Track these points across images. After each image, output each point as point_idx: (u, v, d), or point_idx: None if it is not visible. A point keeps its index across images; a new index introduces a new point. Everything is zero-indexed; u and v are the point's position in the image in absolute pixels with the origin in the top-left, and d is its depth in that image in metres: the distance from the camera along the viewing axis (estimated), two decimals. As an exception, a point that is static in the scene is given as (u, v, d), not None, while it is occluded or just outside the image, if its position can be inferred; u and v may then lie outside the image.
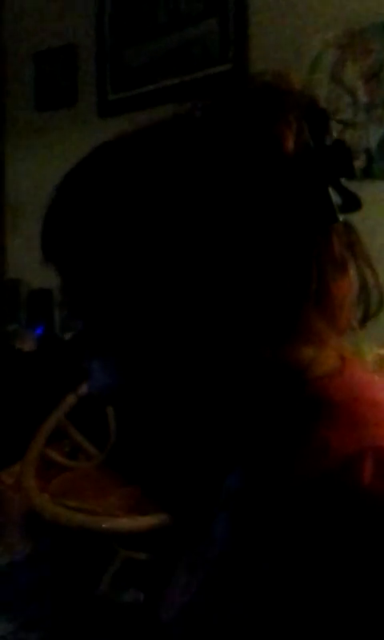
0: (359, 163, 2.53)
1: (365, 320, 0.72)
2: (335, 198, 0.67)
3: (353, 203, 0.68)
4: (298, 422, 0.67)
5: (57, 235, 0.73)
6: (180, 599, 0.74)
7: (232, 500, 0.70)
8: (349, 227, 0.70)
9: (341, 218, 0.67)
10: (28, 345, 3.36)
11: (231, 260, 0.66)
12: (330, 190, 0.67)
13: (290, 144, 0.66)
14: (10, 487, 2.83)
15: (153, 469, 0.78)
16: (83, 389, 2.69)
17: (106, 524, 2.37)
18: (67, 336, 3.25)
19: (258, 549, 0.63)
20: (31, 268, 3.51)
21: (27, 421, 2.77)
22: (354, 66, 2.64)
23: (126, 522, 2.32)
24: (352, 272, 0.70)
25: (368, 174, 2.51)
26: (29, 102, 3.75)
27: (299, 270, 0.66)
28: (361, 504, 0.58)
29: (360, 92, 2.63)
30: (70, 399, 2.71)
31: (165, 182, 0.67)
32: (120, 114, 3.26)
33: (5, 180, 3.86)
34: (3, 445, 2.88)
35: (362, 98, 2.62)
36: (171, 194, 0.67)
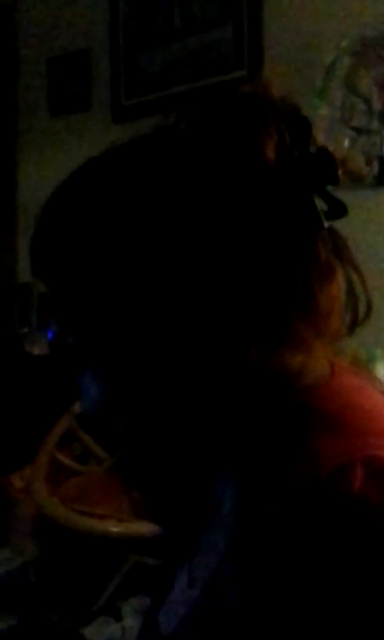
0: (373, 170, 2.53)
1: (353, 326, 0.72)
2: (320, 205, 0.67)
3: (338, 210, 0.68)
4: (289, 431, 0.67)
5: (44, 251, 0.74)
6: (181, 611, 0.74)
7: (228, 513, 0.71)
8: (335, 233, 0.70)
9: (326, 224, 0.67)
10: (39, 348, 3.37)
11: (216, 270, 0.66)
12: (315, 198, 0.67)
13: (271, 153, 0.67)
14: (20, 491, 2.83)
15: (144, 480, 0.78)
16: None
17: (116, 528, 2.37)
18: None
19: (255, 560, 0.63)
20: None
21: (37, 424, 2.78)
22: (368, 74, 2.64)
23: (136, 527, 2.32)
24: (340, 278, 0.69)
25: (382, 181, 2.51)
26: (42, 107, 3.76)
27: (284, 278, 0.67)
28: (352, 512, 0.58)
29: (374, 99, 2.62)
30: (78, 405, 2.71)
31: (150, 195, 0.68)
32: (134, 119, 3.27)
33: (18, 184, 3.87)
34: (14, 448, 2.88)
35: (376, 105, 2.61)
36: (156, 207, 0.68)
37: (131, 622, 2.47)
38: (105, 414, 0.77)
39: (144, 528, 2.28)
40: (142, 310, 0.68)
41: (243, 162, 0.67)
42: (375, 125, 2.59)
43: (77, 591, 2.71)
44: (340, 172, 0.68)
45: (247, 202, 0.66)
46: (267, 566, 0.61)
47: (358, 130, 2.59)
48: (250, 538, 0.65)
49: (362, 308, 0.71)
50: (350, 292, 0.70)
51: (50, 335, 3.42)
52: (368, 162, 2.53)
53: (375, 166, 2.54)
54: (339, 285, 0.70)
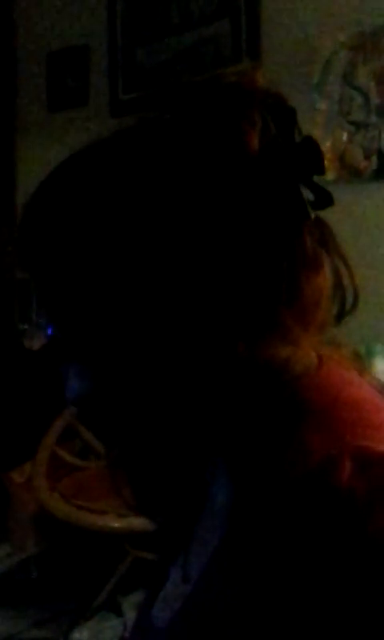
0: (371, 164, 2.53)
1: (340, 317, 0.71)
2: (306, 195, 0.66)
3: (324, 200, 0.68)
4: (278, 423, 0.67)
5: (29, 243, 0.74)
6: (175, 605, 0.74)
7: (221, 506, 0.71)
8: (321, 223, 0.69)
9: (312, 215, 0.67)
10: (39, 344, 3.36)
11: (201, 261, 0.66)
12: (301, 187, 0.66)
13: (255, 142, 0.66)
14: (20, 486, 2.84)
15: (134, 474, 0.77)
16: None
17: (117, 523, 2.37)
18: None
19: (247, 554, 0.63)
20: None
21: (38, 420, 2.78)
22: (365, 68, 2.64)
23: (136, 522, 2.32)
24: (327, 268, 0.69)
25: (380, 175, 2.50)
26: (41, 102, 3.76)
27: (271, 268, 0.66)
28: (340, 504, 0.58)
29: (372, 93, 2.62)
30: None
31: (133, 186, 0.68)
32: (132, 113, 3.24)
33: (16, 180, 3.87)
34: (14, 444, 2.89)
35: (374, 99, 2.61)
36: (140, 198, 0.67)
37: (132, 617, 2.48)
38: (90, 406, 0.77)
39: (144, 523, 2.28)
40: (126, 302, 0.68)
41: (226, 151, 0.66)
42: (373, 119, 2.59)
43: (78, 586, 2.72)
44: (326, 162, 0.67)
45: (231, 191, 0.66)
46: (258, 559, 0.61)
47: (356, 124, 2.58)
48: (241, 531, 0.65)
49: (349, 299, 0.71)
50: (337, 283, 0.70)
51: (49, 331, 3.42)
52: (366, 156, 2.52)
53: (373, 159, 2.54)
54: (326, 275, 0.69)
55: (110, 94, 3.46)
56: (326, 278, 0.69)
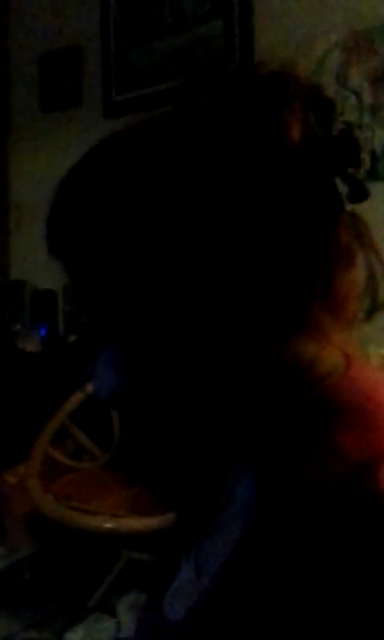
0: (364, 164, 2.52)
1: (372, 312, 0.70)
2: (342, 188, 0.65)
3: (360, 193, 0.67)
4: (308, 424, 0.65)
5: (61, 230, 0.72)
6: (188, 600, 0.73)
7: (243, 504, 0.69)
8: (356, 218, 0.68)
9: (348, 207, 0.66)
10: (32, 345, 3.36)
11: (237, 250, 0.64)
12: (337, 180, 0.65)
13: (296, 133, 0.65)
14: (14, 487, 2.83)
15: (157, 467, 0.76)
16: (82, 393, 2.69)
17: (110, 524, 2.37)
18: (71, 337, 3.25)
19: (269, 555, 0.62)
20: (35, 269, 3.51)
21: (31, 421, 2.78)
22: (359, 68, 2.64)
23: (129, 523, 2.32)
24: (360, 263, 0.68)
25: (373, 175, 2.51)
26: (34, 103, 3.76)
27: (306, 261, 0.65)
28: (375, 512, 0.57)
29: (365, 93, 2.62)
30: (75, 399, 2.71)
31: (170, 173, 0.66)
32: (125, 115, 3.26)
33: (9, 181, 3.87)
34: (7, 445, 2.88)
35: (367, 99, 2.62)
36: (177, 185, 0.66)
37: (125, 618, 2.48)
38: (121, 401, 0.75)
39: (137, 524, 2.28)
40: (159, 290, 0.66)
41: (268, 140, 0.64)
42: (366, 119, 2.60)
43: (71, 588, 2.71)
44: (363, 155, 0.66)
45: (270, 181, 0.64)
46: (282, 562, 0.60)
47: (349, 125, 2.58)
48: (265, 532, 0.64)
49: (381, 294, 0.69)
50: (370, 277, 0.68)
51: (42, 332, 3.42)
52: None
53: (366, 160, 2.54)
54: (358, 270, 0.68)
55: (103, 95, 3.46)
56: (358, 273, 0.68)
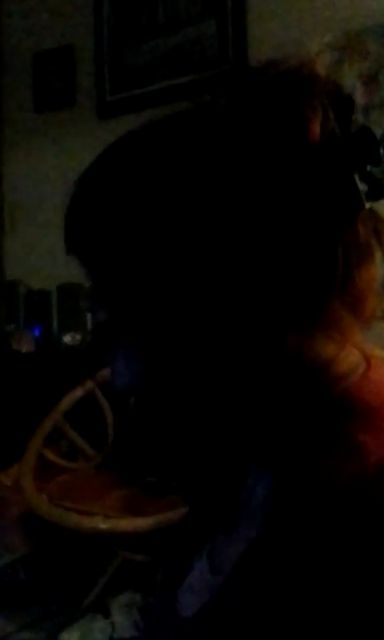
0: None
1: None
2: (361, 185, 0.65)
3: (379, 190, 0.67)
4: (328, 423, 0.65)
5: (80, 227, 0.72)
6: (202, 597, 0.73)
7: (261, 502, 0.69)
8: (375, 215, 0.68)
9: (367, 205, 0.66)
10: (26, 346, 3.36)
11: (258, 247, 0.64)
12: (356, 177, 0.65)
13: (317, 130, 0.65)
14: (8, 488, 2.83)
15: (174, 462, 0.76)
16: (76, 393, 2.69)
17: (104, 525, 2.36)
18: (66, 338, 3.25)
19: (286, 554, 0.62)
20: (29, 269, 3.51)
21: (25, 422, 2.77)
22: (351, 68, 2.64)
23: (123, 524, 2.32)
24: (378, 260, 0.68)
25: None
26: (27, 103, 3.75)
27: (325, 257, 0.65)
28: None
29: (358, 94, 2.63)
30: (68, 399, 2.71)
31: (191, 170, 0.66)
32: (118, 115, 3.26)
33: (3, 181, 3.86)
34: (1, 446, 2.88)
35: (360, 99, 2.62)
36: (198, 181, 0.66)
37: (120, 618, 2.47)
38: (139, 394, 0.75)
39: (131, 525, 2.28)
40: (178, 286, 0.66)
41: (289, 137, 0.65)
42: (359, 119, 2.60)
43: (66, 588, 2.71)
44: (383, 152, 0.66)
45: (291, 178, 0.64)
46: (298, 562, 0.60)
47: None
48: (279, 533, 0.63)
49: None
50: None
51: (36, 333, 3.41)
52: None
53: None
54: (376, 267, 0.68)
55: (97, 95, 3.46)
56: (376, 270, 0.68)
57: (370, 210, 0.67)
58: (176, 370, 0.69)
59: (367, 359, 0.70)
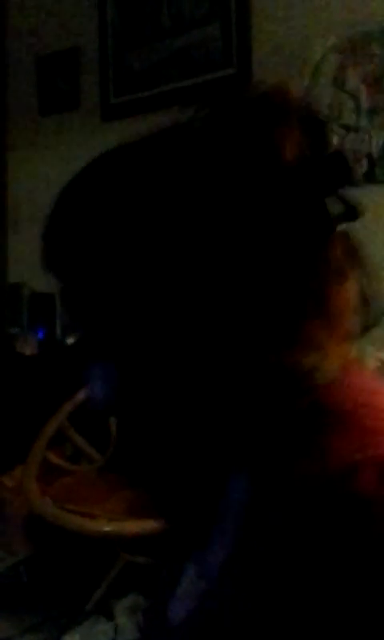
0: (362, 168, 2.54)
1: (366, 328, 0.71)
2: (334, 208, 0.67)
3: (352, 212, 0.68)
4: (302, 430, 0.67)
5: (56, 244, 0.73)
6: (189, 604, 0.74)
7: (239, 507, 0.70)
8: (347, 236, 0.70)
9: (339, 228, 0.67)
10: (30, 348, 3.36)
11: (230, 269, 0.65)
12: (329, 200, 0.67)
13: (290, 154, 0.66)
14: (11, 490, 2.83)
15: (154, 475, 0.77)
16: (80, 396, 2.69)
17: (108, 527, 2.37)
18: (69, 340, 3.25)
19: (260, 556, 0.63)
20: (33, 272, 3.51)
21: (29, 424, 2.78)
22: (356, 71, 2.64)
23: (127, 526, 2.32)
24: (352, 279, 0.69)
25: (370, 178, 2.51)
26: (31, 105, 3.76)
27: (298, 280, 0.66)
28: (358, 513, 0.58)
29: (362, 97, 2.63)
30: (72, 402, 2.71)
31: (164, 193, 0.67)
32: (123, 117, 3.27)
33: (7, 184, 3.87)
34: (5, 448, 2.88)
35: (365, 103, 2.62)
36: (171, 205, 0.67)
37: (123, 621, 2.47)
38: (115, 410, 0.76)
39: (135, 527, 2.28)
40: (154, 305, 0.68)
41: (262, 162, 0.66)
42: (364, 122, 2.60)
43: (69, 591, 2.71)
44: (355, 174, 0.68)
45: (264, 202, 0.66)
46: (272, 562, 0.61)
47: (347, 128, 2.59)
48: (257, 532, 0.65)
49: (375, 310, 0.71)
50: (362, 295, 0.70)
51: (39, 335, 3.42)
52: (357, 160, 2.53)
53: (364, 163, 2.54)
54: (351, 287, 0.69)
55: (101, 98, 3.46)
56: (351, 290, 0.69)
57: (343, 232, 0.69)
58: (153, 384, 0.70)
59: (346, 368, 0.71)
